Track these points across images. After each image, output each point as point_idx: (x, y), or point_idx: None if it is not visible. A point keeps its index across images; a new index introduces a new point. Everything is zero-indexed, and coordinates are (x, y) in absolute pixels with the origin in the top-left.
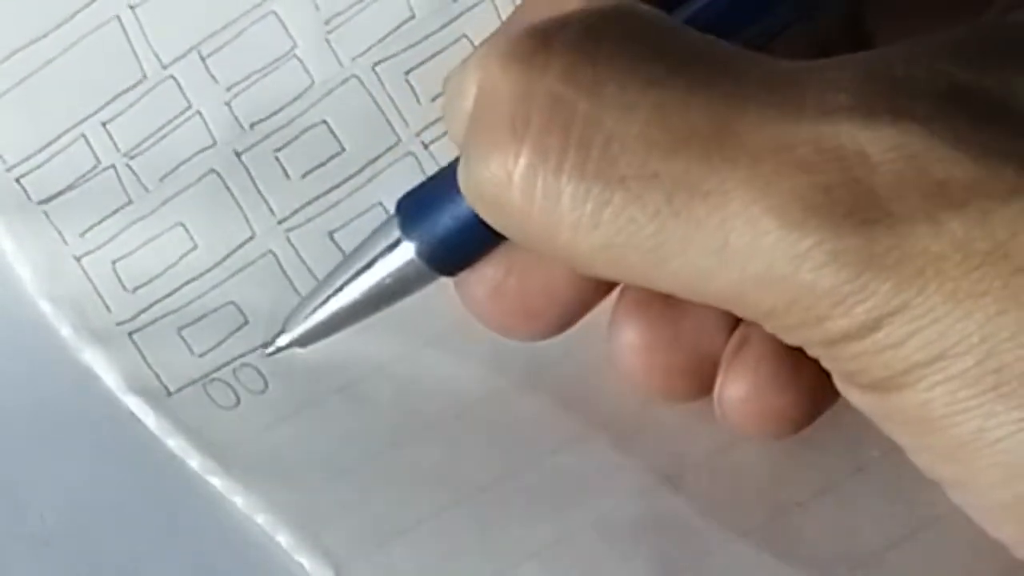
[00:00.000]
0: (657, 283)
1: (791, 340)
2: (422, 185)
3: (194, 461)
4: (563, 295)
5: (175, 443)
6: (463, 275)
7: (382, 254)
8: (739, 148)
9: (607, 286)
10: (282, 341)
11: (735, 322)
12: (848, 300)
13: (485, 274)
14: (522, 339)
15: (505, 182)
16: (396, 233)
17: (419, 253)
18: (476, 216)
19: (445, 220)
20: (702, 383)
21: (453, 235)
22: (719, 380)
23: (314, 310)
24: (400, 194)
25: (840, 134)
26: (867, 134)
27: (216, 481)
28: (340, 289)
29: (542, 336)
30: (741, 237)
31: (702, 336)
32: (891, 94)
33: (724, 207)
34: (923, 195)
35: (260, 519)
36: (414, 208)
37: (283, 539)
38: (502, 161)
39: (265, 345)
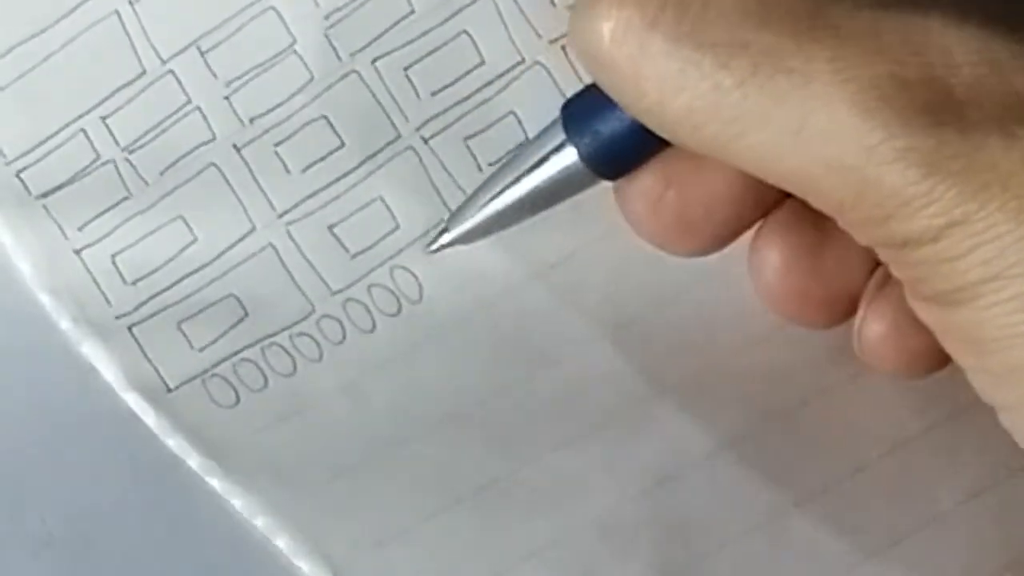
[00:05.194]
0: (735, 156)
1: (862, 239)
2: (587, 88)
3: (193, 461)
4: (721, 210)
5: (175, 442)
6: (623, 187)
7: (546, 156)
8: (829, 30)
9: (765, 204)
10: (445, 239)
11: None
12: (913, 202)
13: (645, 185)
14: (679, 254)
15: (603, 34)
16: (560, 136)
17: (582, 156)
18: (638, 121)
19: (608, 123)
20: (835, 314)
21: (615, 139)
22: (859, 315)
23: (477, 209)
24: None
25: (930, 29)
26: (956, 33)
27: (215, 482)
28: (503, 190)
29: (698, 252)
30: (818, 120)
31: (843, 267)
32: (988, 1)
33: (806, 86)
34: (999, 105)
35: (259, 522)
36: (578, 112)
37: (282, 542)
38: (604, 12)
39: (429, 243)
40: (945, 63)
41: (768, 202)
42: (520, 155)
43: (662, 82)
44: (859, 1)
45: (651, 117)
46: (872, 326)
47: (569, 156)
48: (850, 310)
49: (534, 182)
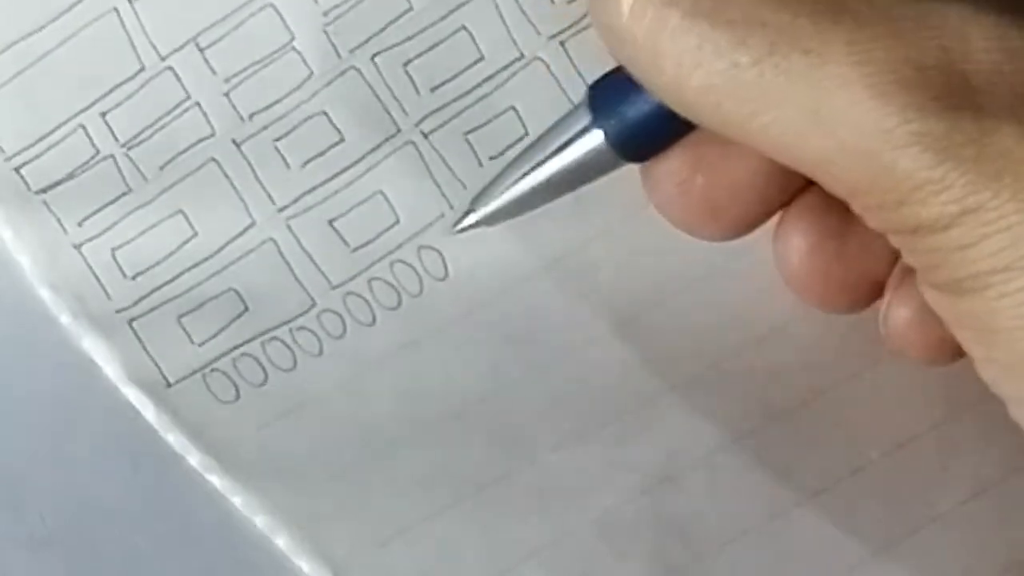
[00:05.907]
0: (751, 137)
1: (875, 223)
2: (613, 71)
3: (193, 458)
4: (748, 195)
5: (174, 439)
6: (651, 170)
7: (572, 139)
8: (847, 12)
9: (791, 190)
10: (470, 219)
11: None
12: (926, 187)
13: (672, 169)
14: (705, 237)
15: (623, 9)
16: (586, 118)
17: (608, 139)
18: (665, 105)
19: (634, 106)
20: (858, 299)
21: (642, 122)
22: (886, 300)
23: (503, 191)
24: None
25: (948, 15)
26: (973, 20)
27: (215, 480)
28: (529, 172)
29: (724, 236)
30: (834, 102)
31: (868, 253)
32: None
33: (822, 67)
34: (1014, 92)
35: (259, 520)
36: (604, 94)
37: (282, 541)
38: None
39: (454, 223)
40: (962, 49)
41: (794, 188)
42: (546, 136)
43: (679, 58)
44: None
45: (669, 94)
46: (898, 311)
47: (595, 139)
48: (872, 295)
49: (559, 164)
